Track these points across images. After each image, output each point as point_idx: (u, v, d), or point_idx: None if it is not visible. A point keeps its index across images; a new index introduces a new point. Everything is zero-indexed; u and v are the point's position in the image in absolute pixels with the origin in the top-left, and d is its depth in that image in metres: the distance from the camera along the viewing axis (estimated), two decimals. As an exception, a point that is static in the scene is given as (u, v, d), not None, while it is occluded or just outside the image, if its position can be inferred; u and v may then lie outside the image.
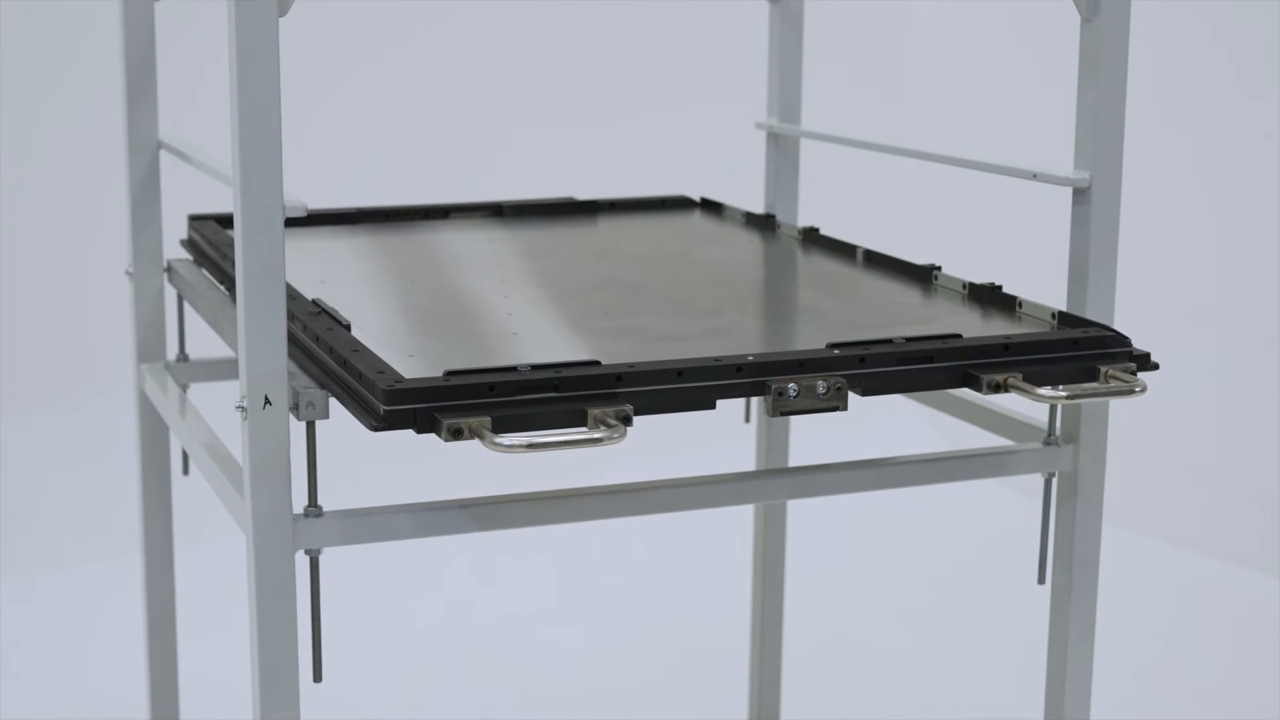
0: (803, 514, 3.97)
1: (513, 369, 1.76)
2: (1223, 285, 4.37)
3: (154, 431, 2.65)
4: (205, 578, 3.75)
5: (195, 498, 3.18)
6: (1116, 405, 2.24)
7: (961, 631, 3.87)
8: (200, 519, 3.69)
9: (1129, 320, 2.35)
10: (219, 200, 2.80)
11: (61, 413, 4.35)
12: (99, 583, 3.98)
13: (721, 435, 3.63)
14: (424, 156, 4.66)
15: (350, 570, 3.51)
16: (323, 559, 1.88)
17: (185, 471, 2.61)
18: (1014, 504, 4.49)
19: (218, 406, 2.49)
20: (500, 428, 1.71)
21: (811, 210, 2.99)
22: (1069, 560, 2.23)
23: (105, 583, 3.97)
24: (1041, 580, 2.28)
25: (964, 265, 2.73)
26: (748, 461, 3.33)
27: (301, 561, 1.86)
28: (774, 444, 3.04)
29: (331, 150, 4.49)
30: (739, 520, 3.55)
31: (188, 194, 2.94)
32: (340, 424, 1.98)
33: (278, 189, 1.74)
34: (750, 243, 2.70)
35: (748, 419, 3.00)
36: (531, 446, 1.67)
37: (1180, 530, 4.34)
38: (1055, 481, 2.24)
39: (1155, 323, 3.76)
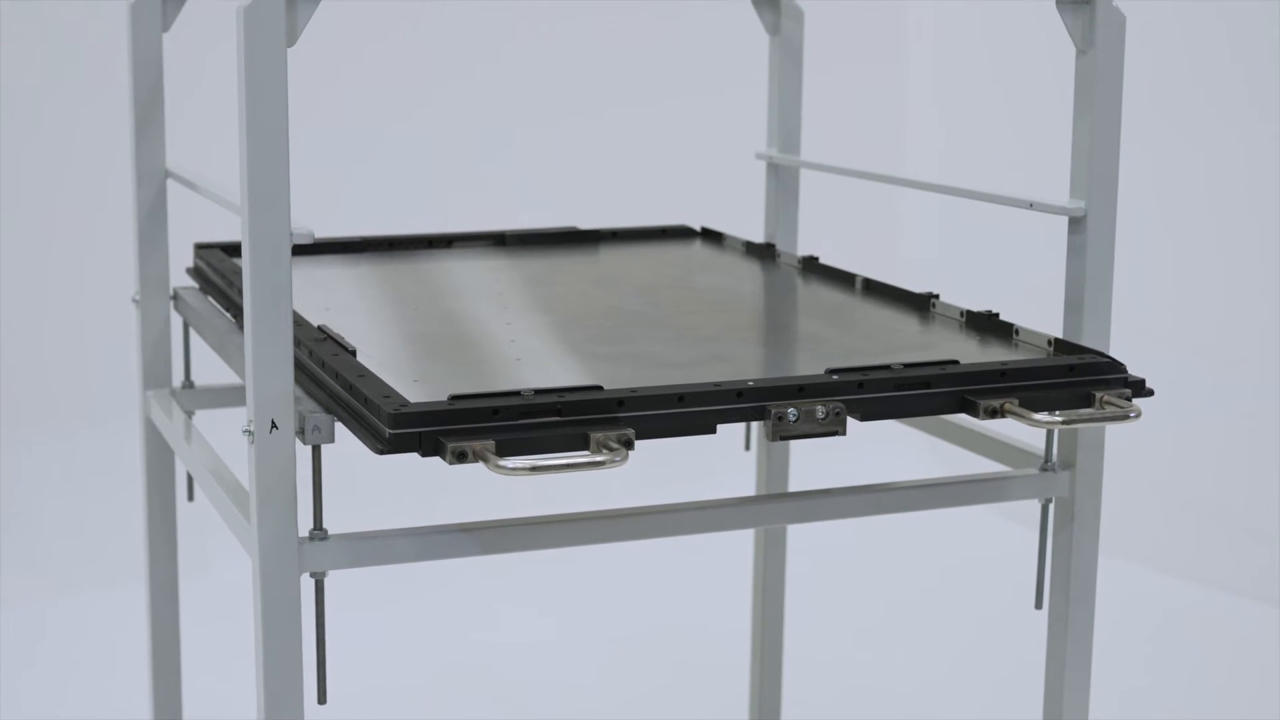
0: (802, 540, 3.98)
1: (516, 393, 1.79)
2: (1222, 315, 4.39)
3: (159, 458, 2.67)
4: (207, 607, 3.76)
5: (198, 526, 3.20)
6: (1111, 433, 2.27)
7: (959, 655, 3.88)
8: (202, 548, 3.72)
9: (1126, 349, 2.37)
10: (222, 229, 2.84)
11: (66, 439, 4.37)
12: (103, 610, 4.00)
13: (722, 464, 3.65)
14: (426, 187, 4.69)
15: (355, 593, 3.53)
16: (327, 582, 1.90)
17: (190, 497, 2.64)
18: (1009, 532, 4.52)
19: (223, 433, 2.52)
20: (504, 451, 1.73)
21: (811, 239, 3.02)
22: (1066, 585, 2.25)
23: (109, 610, 3.98)
24: (1039, 605, 2.30)
25: (962, 294, 2.75)
26: (748, 489, 3.35)
27: (306, 584, 1.89)
28: (774, 472, 3.06)
29: (335, 179, 4.52)
30: (739, 546, 3.57)
31: (191, 222, 2.98)
32: (345, 449, 2.01)
33: (285, 216, 1.77)
34: (750, 271, 2.73)
35: (748, 446, 3.03)
36: (535, 469, 1.70)
37: (1168, 558, 4.35)
38: (1052, 507, 2.26)
39: (1152, 351, 3.78)
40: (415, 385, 1.92)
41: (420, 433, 1.73)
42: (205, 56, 3.66)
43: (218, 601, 3.78)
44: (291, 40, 1.75)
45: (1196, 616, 4.11)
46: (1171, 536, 4.41)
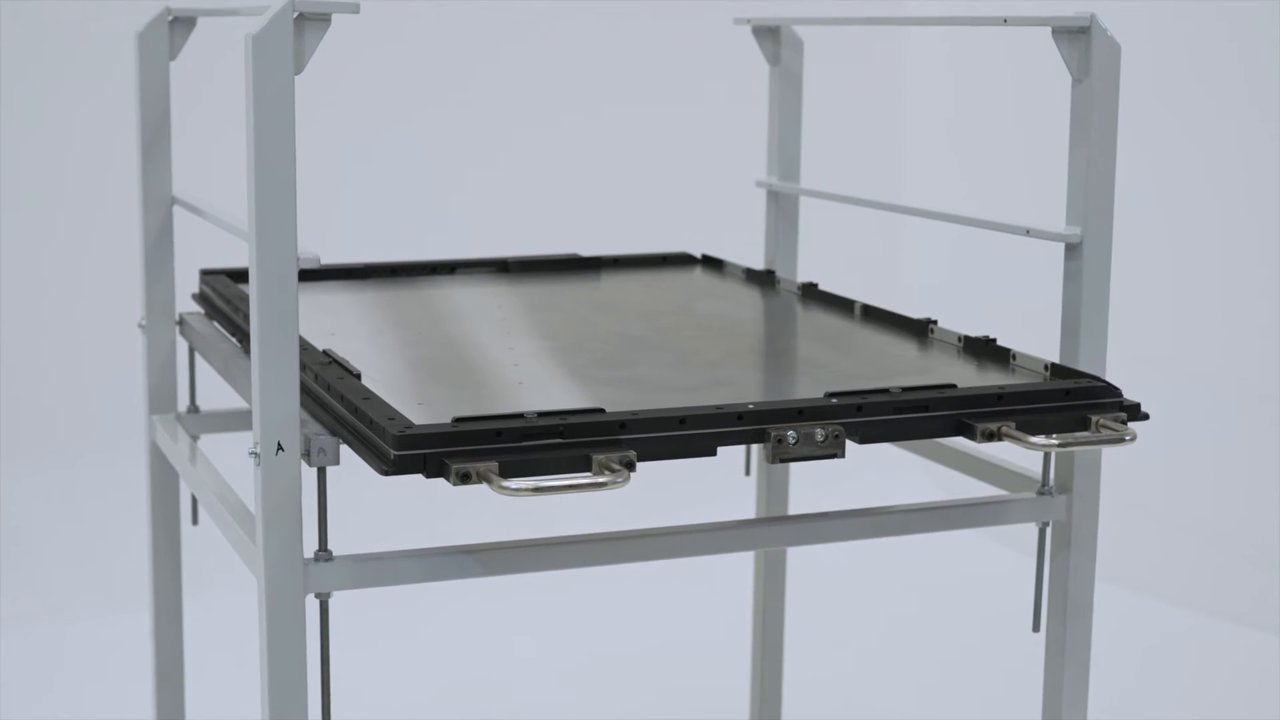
0: (802, 566, 4.00)
1: (519, 416, 1.81)
2: (1224, 343, 4.41)
3: (164, 482, 2.70)
4: (209, 632, 3.78)
5: (200, 551, 3.22)
6: (1107, 457, 2.29)
7: (955, 677, 3.90)
8: (204, 574, 3.73)
9: (1122, 374, 2.39)
10: (226, 254, 2.86)
11: (71, 465, 4.39)
12: (106, 635, 4.01)
13: (723, 490, 3.67)
14: (428, 214, 4.72)
15: (359, 613, 3.54)
16: (332, 602, 1.92)
17: (195, 521, 2.66)
18: (999, 554, 4.54)
19: (227, 457, 2.54)
20: (507, 472, 1.76)
21: (810, 266, 3.04)
22: (1063, 608, 2.27)
23: (113, 635, 4.00)
24: (1036, 628, 2.32)
25: (960, 319, 2.77)
26: (748, 514, 3.37)
27: (311, 606, 1.91)
28: (774, 496, 3.08)
29: (340, 206, 4.55)
30: (740, 569, 3.59)
31: (192, 248, 3.00)
32: (349, 471, 2.03)
33: (292, 241, 1.80)
34: (750, 298, 2.75)
35: (748, 472, 3.05)
36: (538, 490, 1.72)
37: (1162, 582, 4.37)
38: (1049, 531, 2.28)
39: (1147, 377, 3.80)
40: (419, 408, 1.94)
41: (425, 454, 1.76)
42: (204, 83, 3.69)
43: (219, 627, 3.79)
44: (299, 68, 1.77)
45: (1191, 641, 4.13)
46: (1166, 561, 4.42)
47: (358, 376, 2.03)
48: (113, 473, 4.30)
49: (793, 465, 3.11)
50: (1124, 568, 4.25)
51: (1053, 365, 2.18)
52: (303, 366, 2.03)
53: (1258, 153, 4.24)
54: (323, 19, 1.79)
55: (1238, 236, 4.34)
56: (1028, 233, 2.28)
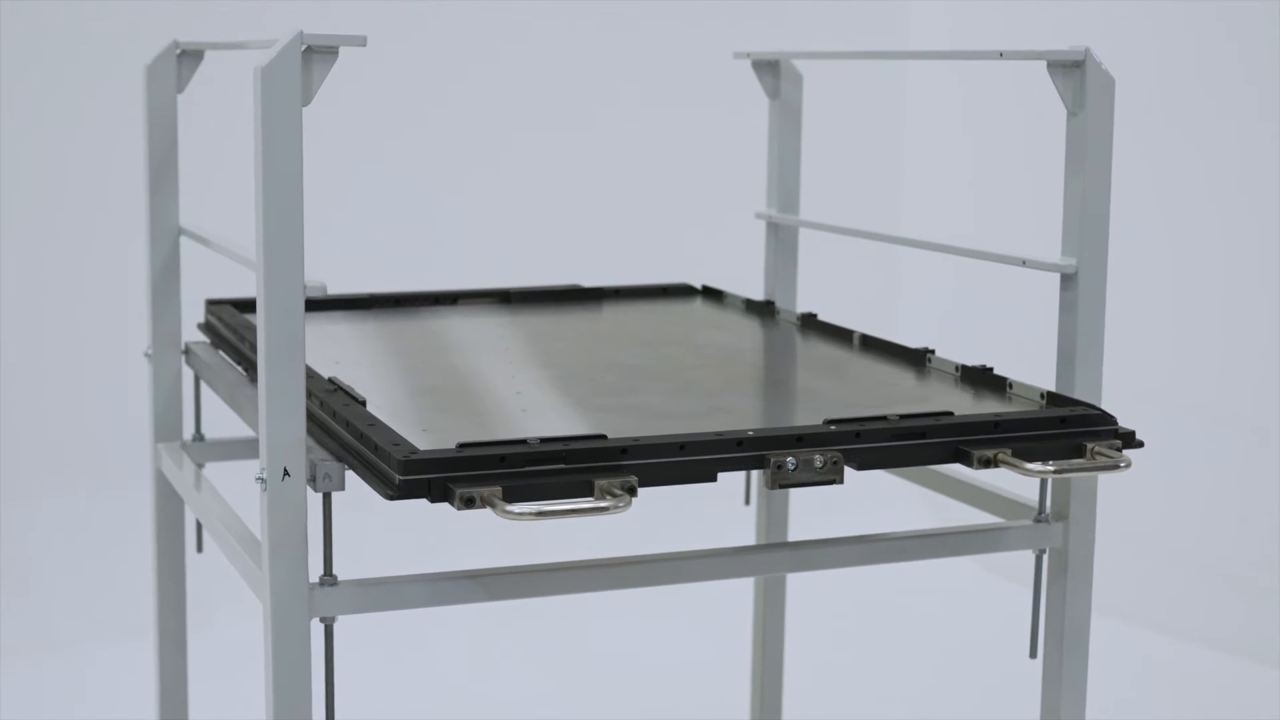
0: (801, 592, 4.02)
1: (522, 441, 1.84)
2: (1220, 375, 4.43)
3: (169, 510, 2.72)
4: (213, 662, 3.79)
5: (204, 583, 3.24)
6: (1103, 486, 2.31)
7: (952, 702, 3.92)
8: (208, 605, 3.75)
9: (1118, 404, 2.42)
10: (230, 285, 2.89)
11: (76, 494, 4.41)
12: (109, 665, 4.03)
13: (723, 519, 3.69)
14: (432, 245, 4.75)
15: (364, 638, 3.56)
16: (337, 627, 1.95)
17: (199, 548, 2.68)
18: (999, 588, 4.56)
19: (233, 484, 2.57)
20: (511, 497, 1.78)
21: (809, 297, 3.07)
22: (1060, 635, 2.29)
23: (115, 666, 4.01)
24: (1033, 655, 2.34)
25: (957, 349, 2.80)
26: (748, 542, 3.39)
27: (316, 631, 1.93)
28: (774, 525, 3.11)
29: (343, 236, 4.58)
30: (740, 595, 3.60)
31: (195, 279, 3.02)
32: (354, 496, 2.05)
33: (299, 270, 1.82)
34: (750, 328, 2.78)
35: (748, 501, 3.07)
36: (540, 514, 1.75)
37: (1150, 611, 4.38)
38: (1046, 558, 2.31)
39: (1146, 408, 3.82)
40: (424, 434, 1.96)
41: (430, 479, 1.78)
42: (212, 114, 3.72)
43: (222, 658, 3.81)
44: (306, 100, 1.80)
45: (1177, 670, 4.14)
46: (1155, 590, 4.43)
47: (363, 403, 2.05)
48: (118, 502, 4.32)
49: (792, 494, 3.13)
50: (1113, 597, 4.27)
51: (1049, 394, 2.20)
52: (308, 394, 2.05)
53: (1258, 181, 4.27)
54: (330, 52, 1.82)
55: (1236, 267, 4.37)
56: (1024, 263, 2.30)
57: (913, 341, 2.61)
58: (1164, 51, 4.43)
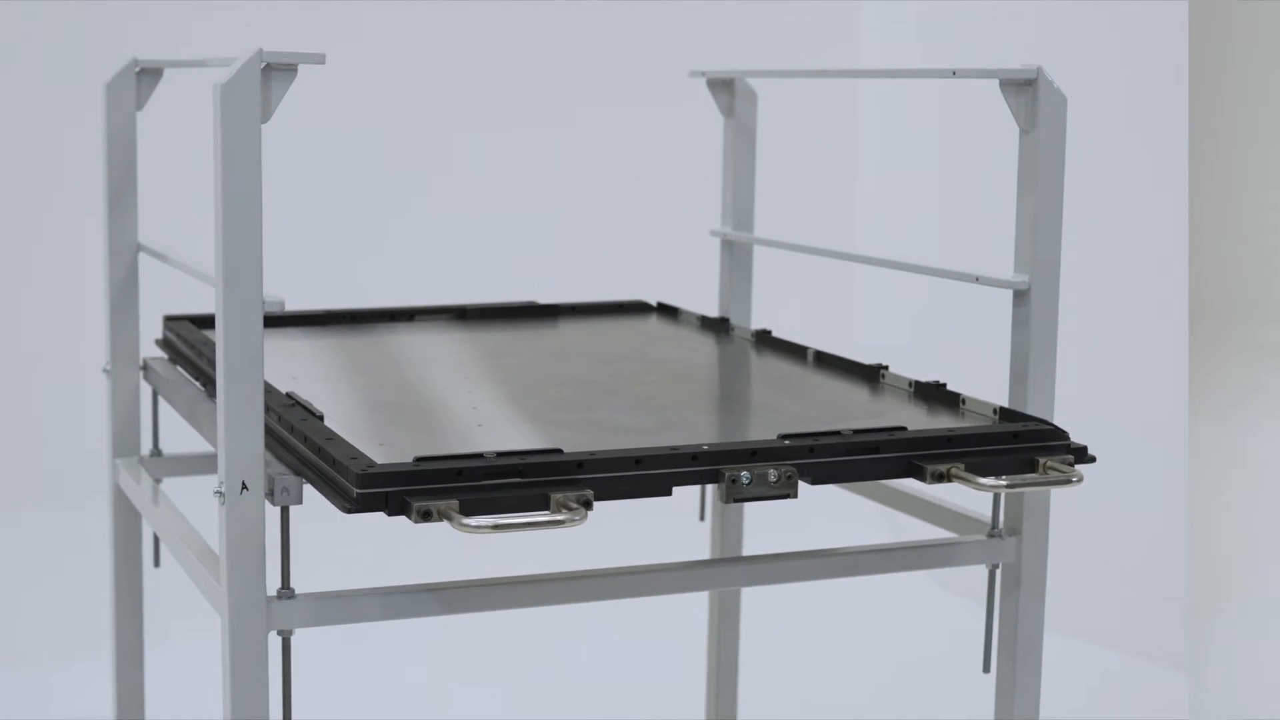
0: (756, 607, 4.04)
1: (479, 455, 1.86)
2: (1174, 392, 4.46)
3: (127, 525, 2.72)
4: (169, 679, 3.79)
5: (160, 599, 3.23)
6: (1055, 501, 2.34)
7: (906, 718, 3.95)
8: (164, 621, 3.74)
9: (1074, 421, 2.44)
10: (188, 301, 2.89)
11: (32, 510, 4.40)
12: (66, 680, 4.01)
13: (677, 537, 3.70)
14: (388, 261, 4.76)
15: (322, 651, 3.56)
16: (295, 640, 1.95)
17: (156, 563, 2.69)
18: (952, 603, 4.58)
19: (190, 499, 2.57)
20: (468, 510, 1.79)
21: (764, 314, 3.09)
22: (1013, 649, 2.31)
23: (72, 681, 3.99)
24: (987, 669, 2.36)
25: (911, 365, 2.82)
26: (703, 556, 3.40)
27: (274, 645, 1.94)
28: (728, 540, 3.12)
29: (299, 253, 4.58)
30: (695, 610, 3.62)
31: (153, 295, 3.03)
32: (312, 510, 2.06)
33: (258, 286, 1.84)
34: (705, 344, 2.80)
35: (702, 517, 3.09)
36: (497, 528, 1.76)
37: (1100, 627, 4.40)
38: (999, 573, 2.33)
39: (1098, 423, 3.85)
40: (381, 448, 1.98)
41: (387, 492, 1.79)
42: (174, 131, 3.73)
43: (180, 672, 3.80)
44: (265, 116, 1.82)
45: (1129, 685, 4.16)
46: (1108, 605, 4.46)
47: (320, 418, 2.06)
48: (75, 516, 4.31)
49: (746, 510, 3.14)
50: (1065, 611, 4.29)
51: (1001, 409, 2.22)
52: (266, 409, 2.06)
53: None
54: (289, 69, 1.83)
55: (1192, 284, 4.40)
56: (977, 280, 2.32)
57: (867, 358, 2.63)
58: (1126, 61, 4.46)
